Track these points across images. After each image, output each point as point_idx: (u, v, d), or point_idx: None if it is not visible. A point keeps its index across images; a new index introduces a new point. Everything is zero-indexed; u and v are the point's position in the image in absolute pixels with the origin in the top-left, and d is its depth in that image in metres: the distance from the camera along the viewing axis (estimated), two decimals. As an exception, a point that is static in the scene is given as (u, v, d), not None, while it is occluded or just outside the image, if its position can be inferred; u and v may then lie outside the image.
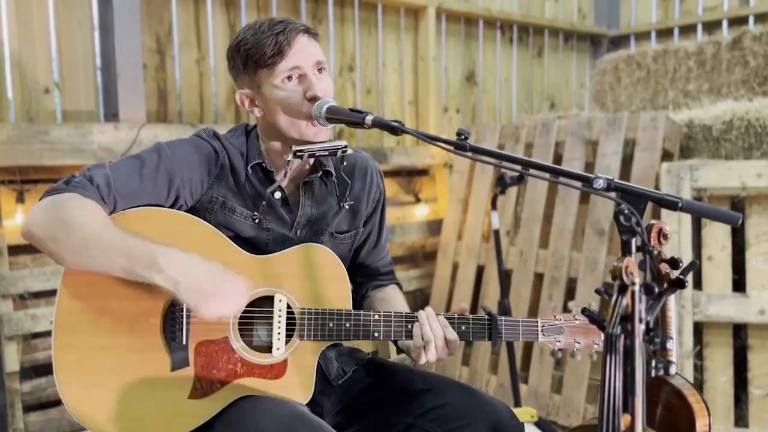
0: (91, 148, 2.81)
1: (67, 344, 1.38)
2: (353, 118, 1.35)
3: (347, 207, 1.61)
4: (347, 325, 1.45)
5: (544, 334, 1.47)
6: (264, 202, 1.51)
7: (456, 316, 1.48)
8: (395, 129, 1.30)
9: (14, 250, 2.65)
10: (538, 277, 3.24)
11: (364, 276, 1.73)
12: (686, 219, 2.74)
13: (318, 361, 1.47)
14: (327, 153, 1.44)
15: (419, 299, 3.86)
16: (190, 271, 1.30)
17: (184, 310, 1.41)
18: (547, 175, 1.21)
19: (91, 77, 3.09)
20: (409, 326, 1.45)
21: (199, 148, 1.50)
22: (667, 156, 2.96)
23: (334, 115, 1.40)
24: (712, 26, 4.87)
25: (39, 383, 2.67)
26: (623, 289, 1.12)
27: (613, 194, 1.18)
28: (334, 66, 3.90)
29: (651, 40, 5.23)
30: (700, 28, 4.97)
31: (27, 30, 2.89)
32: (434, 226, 3.93)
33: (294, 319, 1.45)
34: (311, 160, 1.56)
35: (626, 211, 1.14)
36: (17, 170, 2.67)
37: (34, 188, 2.72)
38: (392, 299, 1.67)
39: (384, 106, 4.11)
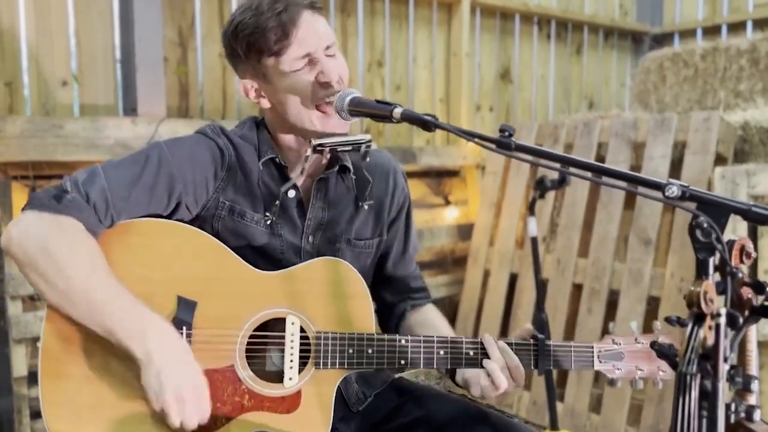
0: (107, 143, 2.68)
1: (56, 373, 1.21)
2: (380, 111, 1.18)
3: (366, 207, 1.43)
4: (369, 351, 1.27)
5: (600, 361, 1.28)
6: (277, 202, 1.34)
7: (497, 341, 1.29)
8: (428, 123, 1.13)
9: (25, 249, 2.54)
10: (577, 288, 3.03)
11: (395, 293, 1.55)
12: (741, 226, 2.51)
13: None
14: (350, 147, 1.26)
15: (448, 307, 3.67)
16: (168, 371, 1.14)
17: (184, 333, 1.24)
18: (612, 181, 1.03)
19: (110, 70, 2.97)
20: (441, 352, 1.27)
21: (203, 148, 1.34)
22: (720, 160, 2.73)
23: (358, 108, 1.23)
24: (763, 23, 4.58)
25: (48, 389, 2.55)
26: (700, 318, 0.93)
27: (689, 204, 0.98)
28: (363, 61, 3.73)
29: (697, 37, 4.96)
30: (750, 25, 4.69)
31: (45, 21, 2.78)
32: (464, 231, 3.74)
33: (309, 344, 1.28)
34: (329, 155, 1.39)
35: (705, 226, 0.95)
36: (30, 165, 2.56)
37: (48, 184, 2.60)
38: (436, 323, 1.49)
39: (414, 103, 3.93)
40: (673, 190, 0.97)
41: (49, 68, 2.82)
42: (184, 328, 1.24)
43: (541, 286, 2.36)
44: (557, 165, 1.09)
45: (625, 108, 4.99)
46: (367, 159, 1.33)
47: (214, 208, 1.34)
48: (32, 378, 2.51)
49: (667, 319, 0.99)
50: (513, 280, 3.33)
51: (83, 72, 2.90)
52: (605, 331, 2.83)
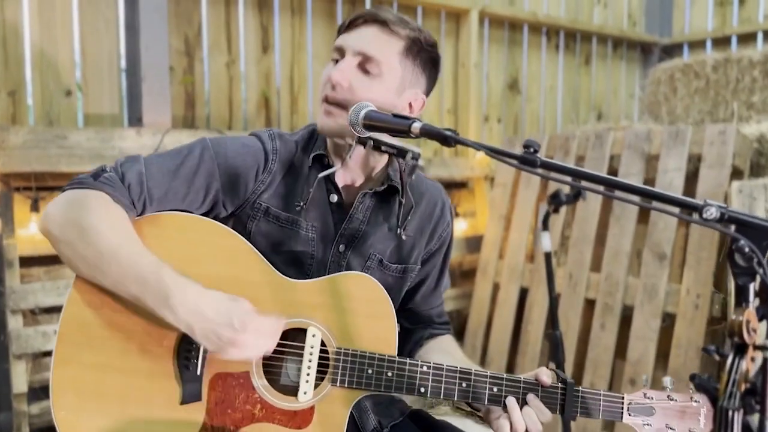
0: (112, 154, 2.63)
1: (69, 359, 1.19)
2: (397, 126, 1.12)
3: (404, 239, 1.38)
4: (389, 374, 1.21)
5: (630, 414, 1.20)
6: (311, 190, 1.31)
7: (522, 380, 1.23)
8: (448, 139, 1.07)
9: (27, 261, 2.49)
10: (589, 304, 2.96)
11: (415, 323, 1.50)
12: (760, 244, 2.45)
13: (351, 412, 1.24)
14: (395, 150, 1.18)
15: (456, 321, 3.61)
16: (206, 315, 1.11)
17: None
18: (637, 199, 0.97)
19: (115, 80, 2.94)
20: (464, 384, 1.21)
21: (248, 149, 1.32)
22: (736, 174, 2.67)
23: (373, 122, 1.17)
24: (774, 35, 4.54)
25: (48, 406, 2.48)
26: (742, 349, 0.87)
27: (726, 227, 0.92)
28: (371, 71, 3.69)
29: (706, 48, 4.91)
30: (760, 36, 4.64)
31: (50, 29, 2.75)
32: (473, 243, 3.68)
33: (327, 359, 1.23)
34: (378, 168, 1.36)
35: (746, 250, 0.89)
36: (32, 176, 2.51)
37: (50, 196, 2.56)
38: (453, 352, 1.44)
39: (421, 114, 3.87)
40: (712, 212, 0.91)
41: (53, 77, 2.78)
42: None
43: (556, 304, 2.29)
44: (580, 182, 1.03)
45: (633, 119, 4.94)
46: (413, 177, 1.28)
47: (250, 209, 1.32)
48: (32, 394, 2.45)
49: (705, 350, 0.93)
50: (523, 294, 3.27)
51: (88, 81, 2.86)
52: (620, 348, 2.77)
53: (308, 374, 1.22)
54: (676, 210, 0.96)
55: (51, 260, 2.54)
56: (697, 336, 2.55)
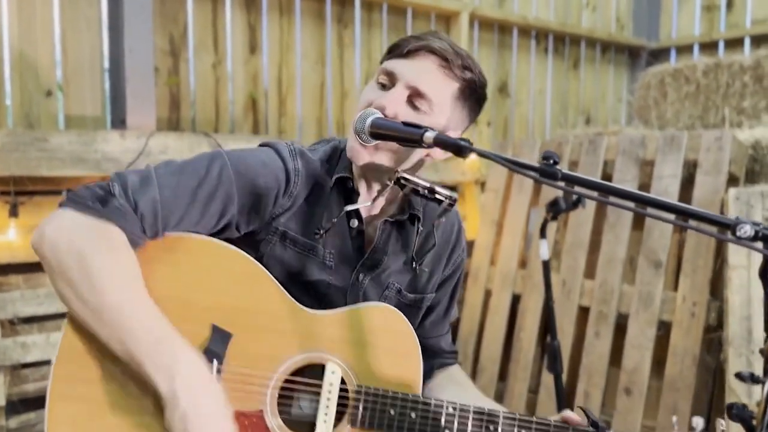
0: (95, 158, 2.54)
1: (67, 396, 1.09)
2: (407, 135, 1.06)
3: (418, 272, 1.32)
4: (412, 415, 1.14)
5: None
6: (334, 220, 1.22)
7: (552, 423, 1.17)
8: (462, 149, 1.01)
9: (4, 269, 2.39)
10: (583, 311, 2.92)
11: (425, 351, 1.43)
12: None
13: None
14: (431, 196, 1.12)
15: (446, 328, 3.55)
16: (192, 416, 1.02)
17: (214, 367, 1.12)
18: (671, 217, 0.91)
19: (97, 80, 2.84)
20: (491, 428, 1.15)
21: (269, 168, 1.21)
22: (732, 180, 2.65)
23: (381, 130, 1.11)
24: (761, 40, 4.54)
25: (28, 419, 2.39)
26: (779, 375, 0.82)
27: (760, 245, 0.87)
28: (360, 73, 3.63)
29: (693, 53, 4.92)
30: (748, 42, 4.65)
31: (29, 27, 2.64)
32: (463, 249, 3.62)
33: (347, 397, 1.15)
34: (399, 194, 1.28)
35: (784, 270, 0.84)
36: (11, 180, 2.41)
37: (30, 201, 2.46)
38: (466, 384, 1.39)
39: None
40: (746, 230, 0.86)
41: (32, 77, 2.67)
42: (215, 361, 1.12)
43: (553, 313, 2.25)
44: (608, 197, 0.98)
45: (621, 123, 4.93)
46: (443, 219, 1.22)
47: (266, 233, 1.23)
48: (11, 407, 2.35)
49: (738, 375, 0.88)
50: (515, 301, 3.22)
51: (69, 82, 2.76)
52: (615, 356, 2.73)
53: (326, 414, 1.14)
54: (714, 230, 0.90)
55: (30, 268, 2.44)
56: (693, 344, 2.52)
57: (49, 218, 1.08)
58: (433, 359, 1.43)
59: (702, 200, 2.60)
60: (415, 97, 1.18)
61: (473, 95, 1.25)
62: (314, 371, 1.16)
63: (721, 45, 4.79)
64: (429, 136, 1.03)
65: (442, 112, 1.20)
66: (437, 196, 1.15)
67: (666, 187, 2.72)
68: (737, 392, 2.25)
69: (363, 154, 1.18)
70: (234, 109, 3.23)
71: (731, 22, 4.74)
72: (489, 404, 1.25)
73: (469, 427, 1.16)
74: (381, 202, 1.28)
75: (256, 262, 1.17)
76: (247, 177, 1.18)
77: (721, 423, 1.10)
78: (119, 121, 2.83)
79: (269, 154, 1.24)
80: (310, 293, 1.24)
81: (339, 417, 1.15)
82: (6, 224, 2.40)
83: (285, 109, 3.38)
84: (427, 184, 1.15)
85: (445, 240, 1.37)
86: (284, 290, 1.17)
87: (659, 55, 5.05)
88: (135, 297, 1.06)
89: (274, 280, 1.17)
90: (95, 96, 2.83)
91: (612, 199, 0.93)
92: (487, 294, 3.36)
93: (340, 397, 1.15)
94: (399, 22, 3.75)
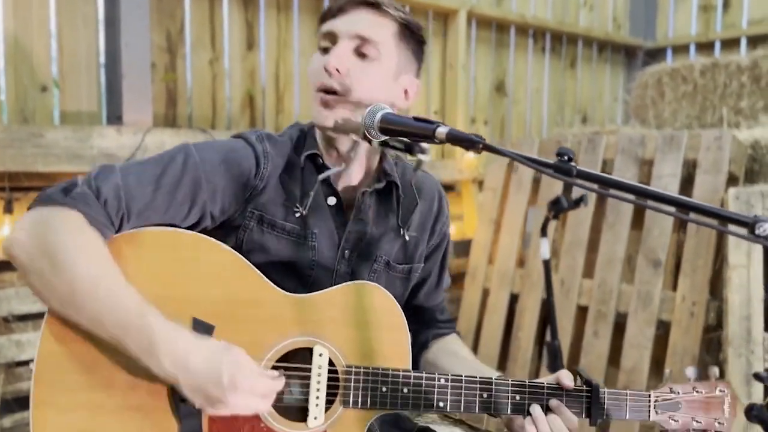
0: (91, 154, 2.51)
1: (49, 402, 1.06)
2: (418, 130, 1.05)
3: (407, 238, 1.32)
4: (405, 390, 1.14)
5: (657, 412, 1.15)
6: (311, 193, 1.21)
7: (545, 385, 1.17)
8: (476, 144, 0.99)
9: (-1, 266, 2.35)
10: (581, 310, 2.92)
11: (420, 322, 1.43)
12: (756, 250, 2.42)
13: None
14: (402, 146, 1.10)
15: (443, 327, 3.54)
16: (193, 370, 1.01)
17: None
18: (707, 220, 0.90)
19: (93, 76, 2.80)
20: (485, 395, 1.14)
21: (238, 154, 1.21)
22: (732, 180, 2.64)
23: (391, 125, 1.09)
24: (757, 40, 4.56)
25: (22, 417, 2.36)
26: (799, 375, 0.81)
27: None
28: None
29: (690, 53, 4.93)
30: (744, 42, 4.67)
31: (25, 22, 2.61)
32: (461, 247, 3.61)
33: (337, 378, 1.14)
34: (374, 163, 1.29)
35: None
36: (6, 176, 2.37)
37: (25, 197, 2.42)
38: (462, 353, 1.38)
39: (407, 114, 3.80)
40: (765, 228, 0.85)
41: (27, 72, 2.63)
42: None
43: (554, 312, 2.24)
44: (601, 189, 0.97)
45: (617, 122, 4.94)
46: (419, 171, 1.22)
47: (241, 218, 1.22)
48: (5, 406, 2.32)
49: (757, 376, 0.87)
50: (513, 300, 3.21)
51: (65, 77, 2.73)
52: (614, 356, 2.73)
53: (317, 397, 1.13)
54: (741, 230, 0.89)
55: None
56: (692, 344, 2.52)
57: (19, 221, 1.07)
58: (429, 330, 1.43)
59: (702, 200, 2.59)
60: (361, 46, 1.20)
61: (413, 36, 1.27)
62: (302, 356, 1.14)
63: (718, 45, 4.81)
64: (441, 131, 1.01)
65: (389, 54, 1.22)
66: (408, 145, 1.12)
67: (665, 186, 2.71)
68: (737, 392, 2.25)
69: (327, 114, 1.20)
70: (231, 106, 3.20)
71: (728, 22, 4.75)
72: (484, 371, 1.25)
73: (463, 397, 1.15)
74: (355, 168, 1.27)
75: (233, 250, 1.15)
76: (213, 162, 1.17)
77: (690, 372, 1.14)
78: (115, 117, 2.80)
79: (236, 142, 1.24)
80: (295, 276, 1.22)
81: (331, 399, 1.14)
82: (0, 220, 2.37)
83: (282, 105, 3.36)
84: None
85: (428, 208, 1.37)
86: (264, 276, 1.15)
87: (656, 54, 5.06)
88: (108, 274, 1.04)
89: (252, 267, 1.15)
90: (91, 92, 2.80)
91: (642, 200, 0.91)
92: (485, 293, 3.35)
93: (330, 379, 1.14)
94: (397, 20, 3.73)
